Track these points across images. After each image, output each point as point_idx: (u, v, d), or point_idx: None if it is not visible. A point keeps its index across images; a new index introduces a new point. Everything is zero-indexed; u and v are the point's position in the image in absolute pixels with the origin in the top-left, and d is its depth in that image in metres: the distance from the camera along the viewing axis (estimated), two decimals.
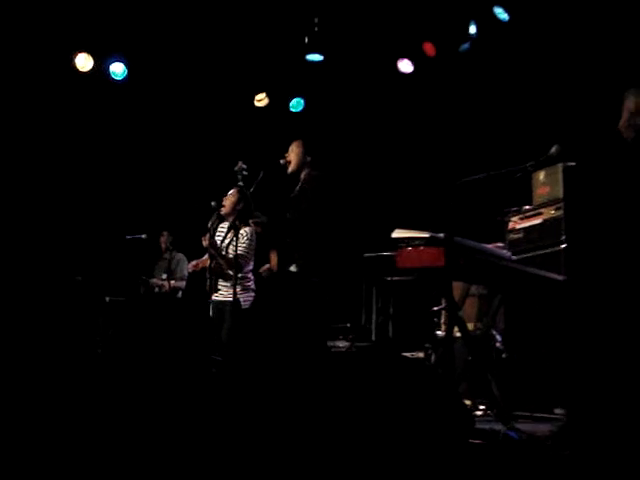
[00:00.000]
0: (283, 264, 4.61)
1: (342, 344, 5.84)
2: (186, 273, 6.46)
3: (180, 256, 6.52)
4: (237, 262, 4.57)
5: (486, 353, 3.98)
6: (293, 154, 4.59)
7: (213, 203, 5.20)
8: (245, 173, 4.63)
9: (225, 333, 5.03)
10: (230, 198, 5.26)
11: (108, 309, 6.11)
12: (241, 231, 5.11)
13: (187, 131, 7.16)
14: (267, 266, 5.14)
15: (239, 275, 4.89)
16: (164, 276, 6.49)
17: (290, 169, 4.65)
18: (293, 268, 4.36)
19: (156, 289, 6.68)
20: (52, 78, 6.28)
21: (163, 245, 6.68)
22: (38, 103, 6.40)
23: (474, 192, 3.43)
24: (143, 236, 6.63)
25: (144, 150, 7.17)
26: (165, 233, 6.75)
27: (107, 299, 6.20)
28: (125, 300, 6.24)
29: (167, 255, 6.53)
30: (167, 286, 6.42)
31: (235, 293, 4.53)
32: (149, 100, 6.88)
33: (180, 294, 6.59)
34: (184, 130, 7.12)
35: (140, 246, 6.55)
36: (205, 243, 5.10)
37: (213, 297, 5.23)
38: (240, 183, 4.55)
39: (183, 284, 6.60)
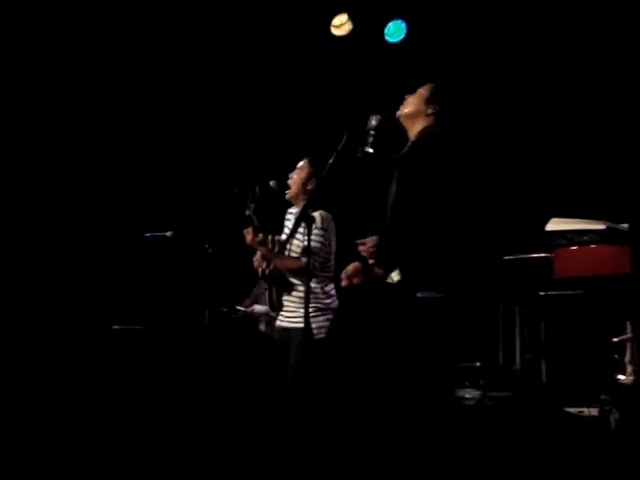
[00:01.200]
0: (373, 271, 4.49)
1: (470, 394, 5.77)
2: None
3: None
4: (309, 265, 4.32)
5: None
6: (411, 102, 4.35)
7: (272, 183, 5.13)
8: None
9: (292, 374, 4.88)
10: (299, 173, 5.16)
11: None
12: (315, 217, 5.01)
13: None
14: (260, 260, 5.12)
15: (312, 286, 4.78)
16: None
17: (399, 112, 4.37)
18: (395, 277, 4.20)
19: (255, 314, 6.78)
20: None
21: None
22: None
23: None
24: (168, 234, 6.76)
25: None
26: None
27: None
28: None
29: None
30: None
31: (307, 316, 4.18)
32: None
33: (263, 326, 6.83)
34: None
35: (166, 248, 6.73)
36: (249, 239, 5.02)
37: (277, 321, 5.13)
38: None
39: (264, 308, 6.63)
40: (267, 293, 5.24)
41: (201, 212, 7.56)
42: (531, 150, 7.00)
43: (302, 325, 4.71)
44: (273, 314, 5.39)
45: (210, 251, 5.58)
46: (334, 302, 5.08)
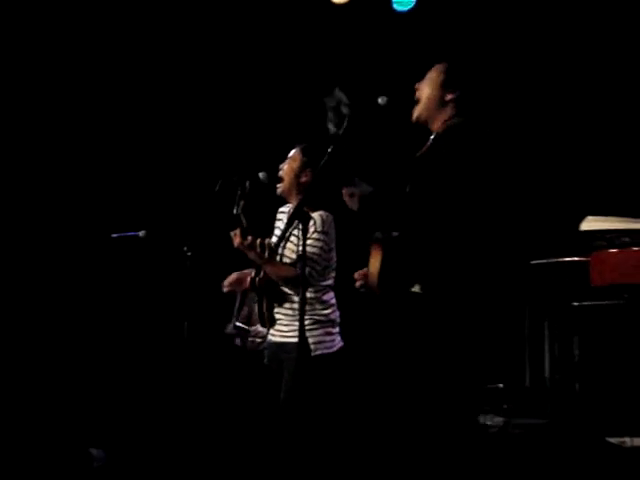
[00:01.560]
0: (393, 278, 4.36)
1: (491, 421, 5.79)
2: None
3: None
4: (303, 273, 4.30)
5: None
6: (426, 85, 4.38)
7: (262, 175, 5.04)
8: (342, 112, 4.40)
9: (284, 398, 4.85)
10: (290, 164, 5.07)
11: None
12: (311, 220, 4.96)
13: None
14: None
15: (308, 296, 4.75)
16: None
17: (415, 116, 4.37)
18: (416, 289, 4.09)
19: (251, 341, 6.73)
20: None
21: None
22: None
23: None
24: (140, 234, 6.64)
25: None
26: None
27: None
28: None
29: None
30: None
31: (302, 329, 4.19)
32: None
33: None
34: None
35: (137, 251, 6.67)
36: (236, 242, 4.92)
37: (268, 336, 5.09)
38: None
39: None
40: (256, 306, 5.14)
41: (179, 209, 7.41)
42: (564, 139, 6.91)
43: (297, 340, 4.59)
44: (263, 330, 5.32)
45: (189, 254, 5.49)
46: (334, 313, 5.00)
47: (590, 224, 4.94)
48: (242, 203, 5.04)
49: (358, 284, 4.23)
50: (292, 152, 5.12)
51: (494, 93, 5.63)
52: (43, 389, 6.99)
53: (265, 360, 5.15)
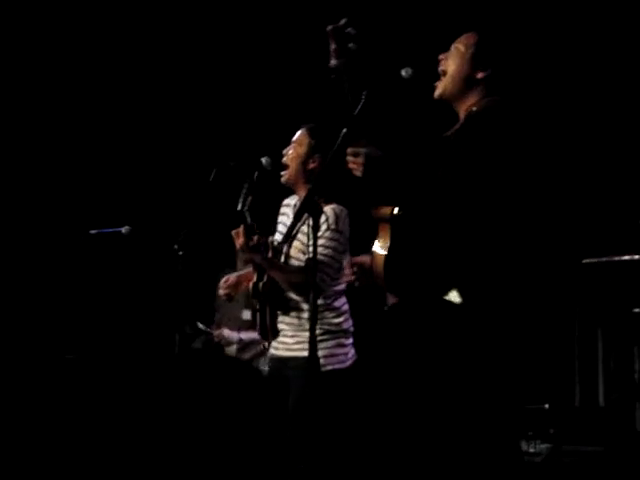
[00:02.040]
0: (405, 269, 4.33)
1: (535, 448, 5.80)
2: None
3: None
4: (314, 277, 4.39)
5: None
6: (453, 58, 4.37)
7: (264, 160, 5.02)
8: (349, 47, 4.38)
9: (292, 420, 4.84)
10: (295, 149, 5.07)
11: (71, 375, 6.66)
12: (323, 215, 4.95)
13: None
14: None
15: (319, 303, 4.73)
16: (247, 314, 6.56)
17: (439, 92, 4.37)
18: (455, 297, 4.06)
19: (223, 341, 6.79)
20: None
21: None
22: None
23: None
24: (123, 230, 6.66)
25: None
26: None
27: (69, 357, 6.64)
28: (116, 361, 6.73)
29: (249, 267, 6.69)
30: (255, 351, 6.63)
31: (313, 342, 4.13)
32: None
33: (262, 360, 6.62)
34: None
35: (122, 248, 6.70)
36: (239, 242, 4.93)
37: (270, 350, 5.13)
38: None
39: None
40: (258, 315, 5.13)
41: (168, 201, 7.62)
42: (621, 122, 6.84)
43: (305, 353, 4.59)
44: (264, 343, 5.31)
45: (180, 253, 5.48)
46: (347, 322, 5.00)
47: None
48: (249, 199, 5.05)
49: (351, 275, 4.20)
50: (297, 134, 5.12)
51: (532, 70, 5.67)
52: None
53: (265, 374, 5.20)
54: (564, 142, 6.54)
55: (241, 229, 4.91)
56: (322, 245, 4.79)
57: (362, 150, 3.97)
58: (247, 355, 6.73)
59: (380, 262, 4.15)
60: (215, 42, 7.90)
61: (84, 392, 6.84)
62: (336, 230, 4.93)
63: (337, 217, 4.94)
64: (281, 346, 4.98)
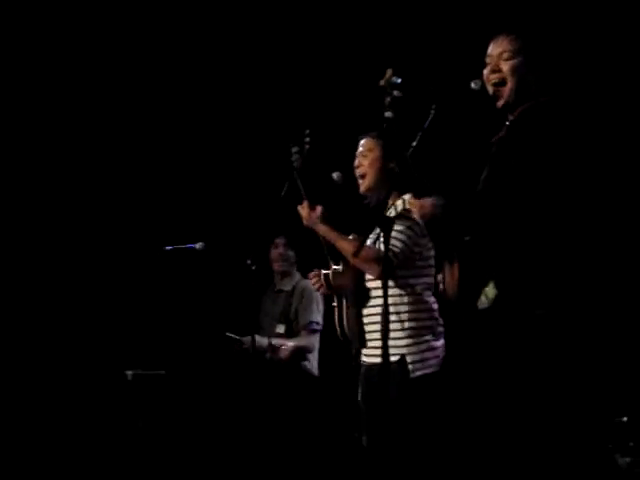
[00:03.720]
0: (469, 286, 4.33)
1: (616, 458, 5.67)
2: (320, 320, 6.73)
3: (307, 286, 6.57)
4: (387, 274, 4.30)
5: None
6: (506, 70, 4.38)
7: (335, 175, 5.13)
8: (394, 94, 4.47)
9: (384, 433, 4.74)
10: (369, 156, 5.11)
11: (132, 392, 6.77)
12: (396, 206, 4.90)
13: None
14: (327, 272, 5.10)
15: (407, 300, 4.82)
16: (280, 328, 6.79)
17: (501, 101, 4.38)
18: (490, 293, 4.03)
19: (267, 354, 6.84)
20: None
21: (277, 265, 6.91)
22: None
23: None
24: (197, 246, 6.74)
25: None
26: (280, 241, 6.86)
27: (129, 374, 6.78)
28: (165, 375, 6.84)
29: (285, 284, 6.90)
30: (285, 350, 6.63)
31: (385, 339, 3.96)
32: None
33: (309, 365, 6.74)
34: None
35: (196, 264, 6.90)
36: (305, 214, 5.05)
37: (362, 358, 4.99)
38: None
39: (313, 343, 6.74)
40: (336, 314, 5.10)
41: (240, 217, 7.68)
42: None
43: (397, 357, 4.78)
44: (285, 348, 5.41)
45: (254, 267, 5.55)
46: (438, 324, 4.94)
47: None
48: (299, 160, 5.20)
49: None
50: (362, 144, 5.17)
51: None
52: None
53: (359, 397, 5.05)
54: (618, 137, 6.39)
55: (305, 203, 5.03)
56: (396, 237, 4.83)
57: (425, 202, 4.16)
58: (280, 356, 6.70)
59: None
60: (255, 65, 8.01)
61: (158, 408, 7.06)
62: (409, 227, 4.90)
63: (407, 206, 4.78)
64: (371, 353, 4.92)
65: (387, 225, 4.22)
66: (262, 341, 6.56)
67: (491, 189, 4.10)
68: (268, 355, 6.62)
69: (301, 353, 6.66)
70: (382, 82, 4.42)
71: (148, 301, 7.79)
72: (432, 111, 4.34)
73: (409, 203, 4.36)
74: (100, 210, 8.11)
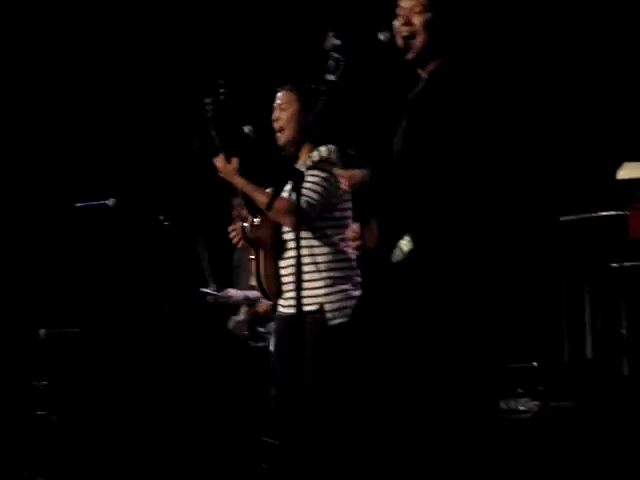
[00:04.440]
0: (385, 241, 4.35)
1: (524, 405, 5.78)
2: None
3: None
4: (301, 220, 4.45)
5: None
6: (417, 25, 4.37)
7: (247, 128, 5.10)
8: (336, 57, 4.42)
9: (310, 384, 4.76)
10: (288, 109, 5.09)
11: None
12: (312, 157, 4.92)
13: None
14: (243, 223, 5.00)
15: (325, 251, 4.81)
16: (253, 280, 6.69)
17: (411, 54, 4.39)
18: (405, 246, 4.08)
19: (231, 301, 6.80)
20: None
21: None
22: None
23: None
24: (109, 202, 6.71)
25: None
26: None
27: (42, 332, 6.64)
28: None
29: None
30: (264, 304, 6.51)
31: (299, 290, 4.12)
32: None
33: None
34: None
35: (108, 221, 6.86)
36: (220, 166, 4.94)
37: (278, 309, 5.05)
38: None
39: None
40: (254, 267, 5.06)
41: (152, 172, 7.60)
42: (596, 71, 6.75)
43: (316, 307, 4.78)
44: (264, 301, 5.34)
45: (167, 223, 5.52)
46: (355, 273, 4.92)
47: (629, 172, 4.95)
48: (213, 113, 5.11)
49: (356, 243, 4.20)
50: (280, 97, 5.12)
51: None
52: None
53: (271, 347, 5.13)
54: (535, 93, 6.50)
55: (221, 155, 4.95)
56: (309, 186, 4.81)
57: (354, 173, 4.13)
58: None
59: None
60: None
61: (65, 366, 6.97)
62: (322, 176, 4.91)
63: (321, 156, 4.94)
64: (286, 303, 4.95)
65: (298, 177, 4.26)
66: (237, 294, 6.57)
67: (410, 150, 4.05)
68: (245, 309, 6.64)
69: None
70: (326, 45, 4.40)
71: (61, 259, 7.54)
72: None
73: (338, 175, 4.36)
74: (9, 165, 7.86)
